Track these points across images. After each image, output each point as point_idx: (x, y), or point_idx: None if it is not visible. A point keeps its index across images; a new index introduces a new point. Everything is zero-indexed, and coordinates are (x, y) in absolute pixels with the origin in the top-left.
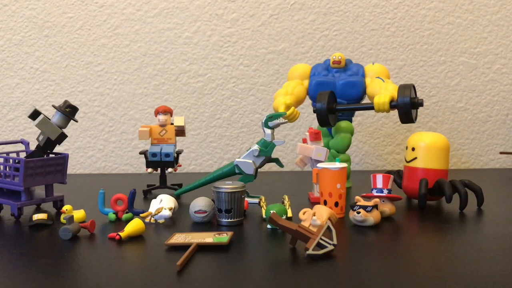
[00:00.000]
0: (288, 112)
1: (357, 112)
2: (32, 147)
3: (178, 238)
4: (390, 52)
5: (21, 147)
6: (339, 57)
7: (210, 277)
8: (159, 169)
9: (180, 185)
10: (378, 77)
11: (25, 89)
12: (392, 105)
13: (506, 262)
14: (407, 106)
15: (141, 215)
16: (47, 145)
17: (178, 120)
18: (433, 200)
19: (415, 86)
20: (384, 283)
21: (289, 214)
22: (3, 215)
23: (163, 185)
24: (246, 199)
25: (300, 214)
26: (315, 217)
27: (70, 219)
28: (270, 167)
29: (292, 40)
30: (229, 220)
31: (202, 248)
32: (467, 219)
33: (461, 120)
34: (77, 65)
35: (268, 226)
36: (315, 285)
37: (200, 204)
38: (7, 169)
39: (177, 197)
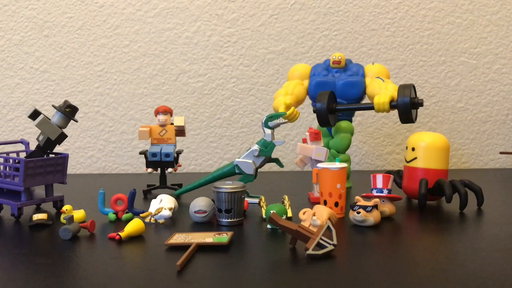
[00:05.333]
0: (288, 112)
1: (357, 112)
2: (32, 147)
3: (178, 238)
4: (390, 52)
5: (21, 147)
6: (339, 57)
7: (210, 277)
8: (159, 169)
9: (180, 185)
10: (378, 77)
11: (25, 89)
12: (392, 105)
13: (506, 262)
14: (407, 106)
15: (141, 215)
16: (47, 145)
17: (178, 120)
18: (433, 200)
19: (415, 86)
20: (384, 283)
21: (289, 214)
22: (3, 215)
23: (163, 185)
24: (246, 199)
25: (300, 214)
26: (315, 217)
27: (70, 219)
28: (270, 167)
29: (292, 40)
30: (229, 220)
31: (202, 248)
32: (467, 219)
33: (461, 120)
34: (77, 65)
35: (268, 226)
36: (315, 285)
37: (200, 204)
38: (7, 169)
39: (177, 197)
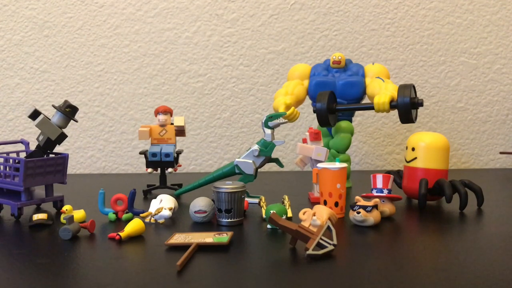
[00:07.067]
0: (288, 112)
1: (357, 112)
2: (32, 147)
3: (178, 238)
4: (390, 52)
5: (21, 147)
6: (339, 57)
7: (210, 277)
8: (159, 169)
9: (180, 185)
10: (378, 77)
11: (25, 89)
12: (392, 105)
13: (506, 262)
14: (407, 106)
15: (141, 215)
16: (47, 145)
17: (178, 120)
18: (433, 200)
19: (415, 86)
20: (384, 283)
21: (289, 214)
22: (3, 215)
23: (163, 185)
24: (246, 199)
25: (300, 214)
26: (315, 217)
27: (70, 219)
28: (270, 167)
29: (292, 40)
30: (229, 220)
31: (202, 248)
32: (467, 219)
33: (461, 120)
34: (77, 65)
35: (268, 226)
36: (315, 285)
37: (200, 204)
38: (7, 169)
39: (177, 197)
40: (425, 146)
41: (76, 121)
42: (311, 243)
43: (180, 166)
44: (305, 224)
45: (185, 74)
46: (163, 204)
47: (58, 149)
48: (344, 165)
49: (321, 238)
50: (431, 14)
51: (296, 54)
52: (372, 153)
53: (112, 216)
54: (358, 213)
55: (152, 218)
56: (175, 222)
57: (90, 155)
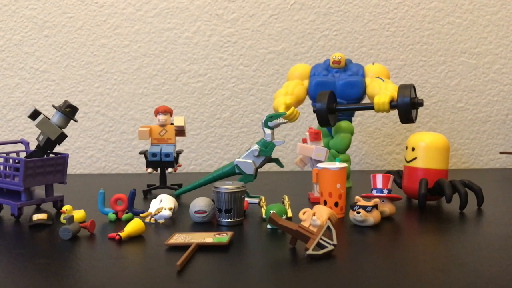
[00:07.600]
0: (288, 112)
1: (357, 112)
2: (32, 147)
3: (178, 238)
4: (390, 52)
5: (21, 147)
6: (339, 57)
7: (210, 277)
8: (159, 169)
9: (180, 185)
10: (378, 77)
11: (25, 89)
12: (392, 105)
13: (506, 262)
14: (407, 106)
15: (141, 215)
16: (47, 145)
17: (178, 120)
18: (433, 200)
19: (415, 86)
20: (384, 283)
21: (289, 214)
22: (3, 215)
23: (163, 185)
24: (246, 199)
25: (300, 214)
26: (315, 217)
27: (70, 219)
28: (270, 167)
29: (292, 40)
30: (229, 220)
31: (202, 248)
32: (467, 219)
33: (461, 120)
34: (77, 65)
35: (268, 226)
36: (315, 285)
37: (200, 204)
38: (7, 169)
39: (177, 197)
40: (425, 146)
41: (76, 121)
42: (311, 243)
43: (180, 166)
44: (305, 224)
45: (185, 74)
46: (163, 204)
47: (58, 149)
48: (344, 165)
49: (321, 238)
50: (431, 14)
51: (296, 54)
52: (372, 153)
53: (112, 216)
54: (358, 213)
55: (152, 218)
56: (175, 222)
57: (90, 155)
